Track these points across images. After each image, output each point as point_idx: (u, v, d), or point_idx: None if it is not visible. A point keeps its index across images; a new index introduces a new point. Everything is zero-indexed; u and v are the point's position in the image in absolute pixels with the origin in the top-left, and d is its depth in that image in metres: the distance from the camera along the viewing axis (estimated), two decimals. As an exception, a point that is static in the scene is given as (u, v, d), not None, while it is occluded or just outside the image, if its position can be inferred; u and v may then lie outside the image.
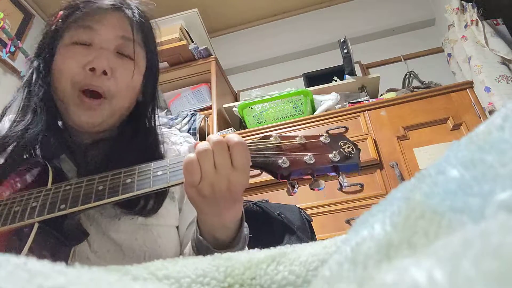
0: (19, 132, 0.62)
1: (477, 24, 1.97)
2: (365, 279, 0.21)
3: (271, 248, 0.35)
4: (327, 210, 1.66)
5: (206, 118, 2.13)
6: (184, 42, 2.24)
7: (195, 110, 2.23)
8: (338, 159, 0.57)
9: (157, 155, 0.69)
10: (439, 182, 0.24)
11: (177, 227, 0.70)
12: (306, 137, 0.60)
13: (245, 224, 0.69)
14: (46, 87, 0.66)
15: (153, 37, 0.72)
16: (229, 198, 0.54)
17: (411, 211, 0.23)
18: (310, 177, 0.58)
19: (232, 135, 0.54)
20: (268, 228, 0.95)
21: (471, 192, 0.21)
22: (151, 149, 0.70)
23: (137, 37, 0.66)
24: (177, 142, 0.77)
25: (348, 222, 1.61)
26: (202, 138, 2.03)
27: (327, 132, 0.63)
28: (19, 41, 2.28)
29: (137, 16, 0.67)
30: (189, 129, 2.05)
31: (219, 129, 2.10)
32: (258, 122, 2.09)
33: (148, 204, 0.62)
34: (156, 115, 0.76)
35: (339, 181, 0.59)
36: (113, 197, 0.53)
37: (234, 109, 2.18)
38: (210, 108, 2.22)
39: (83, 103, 0.63)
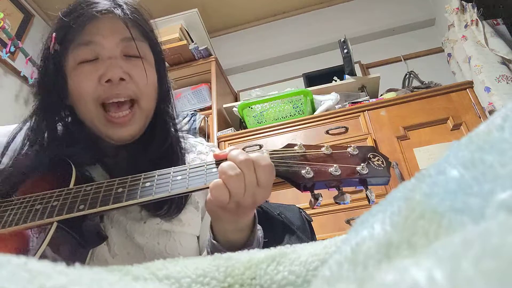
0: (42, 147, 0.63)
1: (477, 24, 1.97)
2: (365, 279, 0.21)
3: (271, 248, 0.35)
4: (327, 210, 1.66)
5: (206, 118, 2.13)
6: (184, 42, 2.24)
7: (195, 110, 2.23)
8: (366, 172, 0.55)
9: (179, 155, 0.69)
10: (439, 182, 0.24)
11: (198, 237, 0.70)
12: (332, 147, 0.58)
13: (259, 226, 0.68)
14: (66, 109, 0.67)
15: (150, 26, 0.71)
16: (250, 209, 0.54)
17: (411, 211, 0.23)
18: (336, 189, 0.55)
19: (260, 157, 0.52)
20: (268, 228, 0.95)
21: (471, 192, 0.21)
22: (171, 147, 0.69)
23: (135, 33, 0.65)
24: (203, 152, 0.77)
25: (348, 222, 1.61)
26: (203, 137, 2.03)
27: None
28: (19, 41, 2.28)
29: (128, 12, 0.65)
30: (189, 129, 2.04)
31: (219, 129, 2.11)
32: (258, 122, 2.09)
33: (172, 206, 0.62)
34: (173, 108, 0.75)
35: (366, 196, 0.56)
36: (131, 200, 0.52)
37: (234, 109, 2.18)
38: (210, 108, 2.22)
39: (112, 122, 0.63)
